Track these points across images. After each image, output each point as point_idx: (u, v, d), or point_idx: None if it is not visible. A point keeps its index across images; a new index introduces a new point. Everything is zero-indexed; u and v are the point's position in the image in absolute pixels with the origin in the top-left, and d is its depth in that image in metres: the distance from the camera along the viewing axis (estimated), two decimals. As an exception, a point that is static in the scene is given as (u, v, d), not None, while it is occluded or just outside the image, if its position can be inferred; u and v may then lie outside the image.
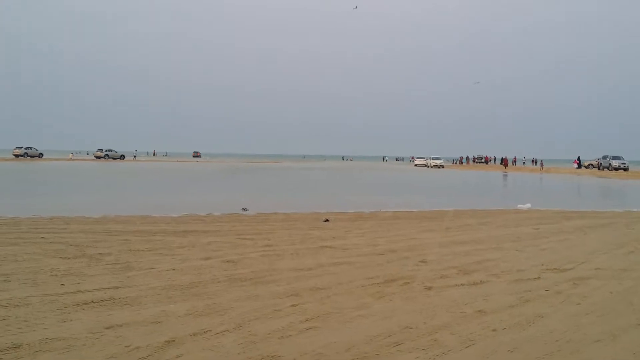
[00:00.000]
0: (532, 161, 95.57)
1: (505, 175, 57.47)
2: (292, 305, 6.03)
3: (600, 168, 66.70)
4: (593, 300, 6.52)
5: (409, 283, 7.28)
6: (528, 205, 19.60)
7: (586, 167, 72.07)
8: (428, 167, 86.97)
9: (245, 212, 16.41)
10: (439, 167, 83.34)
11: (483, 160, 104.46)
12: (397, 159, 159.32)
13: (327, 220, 14.36)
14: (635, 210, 19.34)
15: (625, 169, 62.78)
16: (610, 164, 64.74)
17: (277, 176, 48.38)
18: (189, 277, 7.37)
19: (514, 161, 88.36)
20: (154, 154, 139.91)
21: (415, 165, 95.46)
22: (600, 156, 69.46)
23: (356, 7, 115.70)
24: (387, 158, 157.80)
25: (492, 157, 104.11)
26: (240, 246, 9.96)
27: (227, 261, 8.49)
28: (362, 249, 10.07)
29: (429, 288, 7.03)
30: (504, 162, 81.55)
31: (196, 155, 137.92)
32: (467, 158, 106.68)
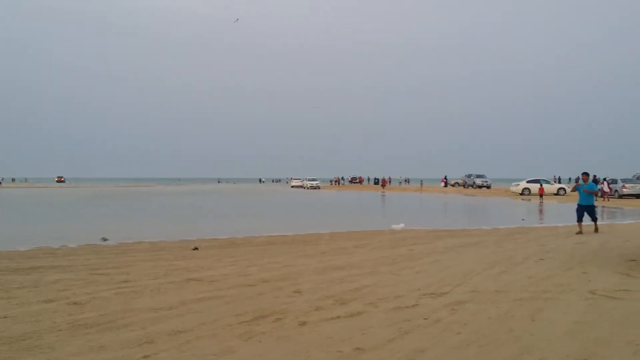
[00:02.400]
0: (405, 181, 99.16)
1: (383, 195, 58.90)
2: (144, 357, 5.16)
3: (466, 186, 70.33)
4: (473, 327, 6.20)
5: (281, 319, 6.63)
6: (402, 225, 19.75)
7: (452, 185, 75.80)
8: (305, 188, 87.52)
9: (104, 243, 15.07)
10: (315, 188, 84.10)
11: (357, 181, 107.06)
12: (273, 181, 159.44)
13: (196, 249, 13.45)
14: (501, 227, 20.05)
15: (488, 187, 66.58)
16: (474, 182, 68.40)
17: (147, 201, 46.25)
18: (22, 326, 6.24)
19: (389, 180, 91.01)
20: (12, 180, 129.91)
21: (292, 186, 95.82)
22: (465, 174, 73.36)
23: (237, 20, 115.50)
24: (263, 179, 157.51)
25: (366, 178, 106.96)
26: (92, 283, 8.84)
27: (73, 303, 7.39)
28: (232, 280, 9.32)
29: (303, 323, 6.41)
30: (382, 182, 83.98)
31: (60, 180, 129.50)
32: (343, 178, 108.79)
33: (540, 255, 12.03)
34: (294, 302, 7.54)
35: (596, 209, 17.45)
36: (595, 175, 47.19)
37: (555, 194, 47.97)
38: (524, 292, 8.18)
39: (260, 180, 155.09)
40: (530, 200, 43.00)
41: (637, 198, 39.99)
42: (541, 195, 41.79)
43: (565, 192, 48.31)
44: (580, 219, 16.92)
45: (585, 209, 16.93)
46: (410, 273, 9.93)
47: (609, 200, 40.60)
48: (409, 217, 25.52)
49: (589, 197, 16.93)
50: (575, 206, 17.16)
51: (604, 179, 46.34)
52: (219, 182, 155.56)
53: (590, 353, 5.25)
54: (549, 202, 38.43)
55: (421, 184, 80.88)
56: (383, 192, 70.53)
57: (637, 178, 43.26)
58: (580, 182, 17.52)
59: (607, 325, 6.28)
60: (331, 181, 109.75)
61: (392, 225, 19.90)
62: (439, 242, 14.75)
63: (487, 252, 12.76)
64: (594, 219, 17.06)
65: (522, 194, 49.99)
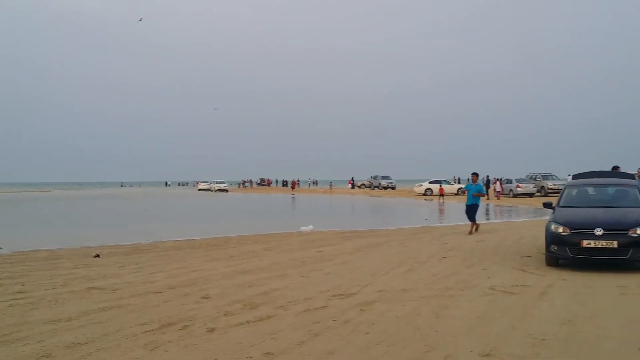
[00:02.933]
0: (314, 183, 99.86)
1: (293, 197, 59.03)
2: (41, 373, 4.87)
3: (372, 187, 71.83)
4: (381, 327, 6.31)
5: (188, 326, 6.46)
6: (310, 227, 19.86)
7: (359, 186, 77.22)
8: (212, 191, 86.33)
9: (-3, 252, 14.16)
10: (223, 191, 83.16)
11: (266, 183, 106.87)
12: (180, 184, 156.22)
13: (97, 256, 12.91)
14: (406, 227, 20.59)
15: (393, 188, 68.29)
16: (380, 183, 69.98)
17: (44, 207, 44.00)
18: None
19: (298, 182, 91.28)
20: None
21: (199, 189, 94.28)
22: (371, 176, 74.94)
23: (141, 19, 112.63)
24: (169, 183, 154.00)
25: (274, 180, 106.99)
26: (-17, 296, 8.27)
27: (-38, 318, 6.88)
28: (136, 287, 9.00)
29: (212, 330, 6.29)
30: (292, 184, 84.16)
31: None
32: (251, 181, 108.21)
33: (443, 253, 12.45)
34: (201, 308, 7.38)
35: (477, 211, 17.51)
36: (487, 176, 49.52)
37: (455, 194, 49.93)
38: (428, 290, 8.42)
39: (166, 184, 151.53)
40: (432, 200, 44.47)
41: (530, 197, 42.22)
42: (442, 195, 43.32)
43: (485, 192, 50.30)
44: (472, 219, 17.18)
45: (471, 209, 17.15)
46: (320, 275, 9.99)
47: (499, 199, 42.74)
48: (318, 218, 25.73)
49: (475, 198, 17.10)
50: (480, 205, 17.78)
51: (497, 179, 48.78)
52: (122, 185, 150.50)
53: (492, 348, 5.47)
54: (450, 202, 39.91)
55: (330, 185, 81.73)
56: (293, 194, 70.78)
57: (531, 178, 45.73)
58: (470, 182, 17.74)
59: (507, 320, 6.58)
60: (239, 184, 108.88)
61: (300, 228, 19.99)
62: (347, 243, 14.95)
63: (394, 251, 13.06)
64: (473, 219, 17.20)
65: (424, 194, 51.62)
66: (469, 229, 17.23)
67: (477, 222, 17.54)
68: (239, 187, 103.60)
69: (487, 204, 37.22)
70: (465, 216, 17.46)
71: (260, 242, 15.65)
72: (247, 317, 6.89)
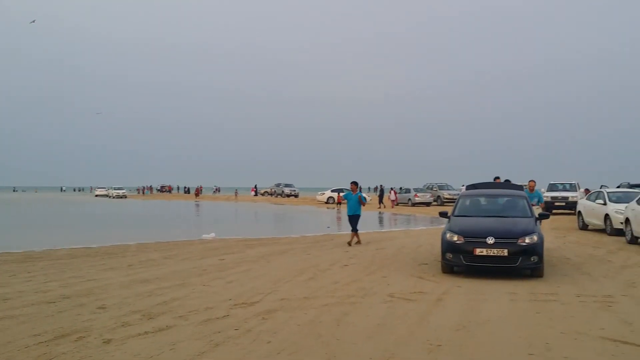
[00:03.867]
0: (216, 189, 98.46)
1: (197, 205, 57.89)
2: None
3: (275, 195, 71.87)
4: (283, 335, 6.31)
5: (84, 337, 6.19)
6: (212, 235, 19.58)
7: (262, 194, 77.07)
8: (110, 197, 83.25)
9: None
10: (121, 197, 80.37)
11: (167, 190, 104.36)
12: (75, 189, 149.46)
13: (-17, 265, 12.08)
14: (308, 235, 20.74)
15: (296, 196, 68.65)
16: (283, 191, 70.16)
17: None
18: None
19: (201, 189, 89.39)
20: None
21: (96, 195, 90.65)
22: (274, 184, 75.02)
23: (34, 21, 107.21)
24: (64, 188, 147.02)
25: (176, 187, 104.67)
26: None
27: None
28: (28, 297, 8.53)
29: (108, 341, 6.04)
30: (195, 191, 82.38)
31: None
32: (151, 187, 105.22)
33: (345, 261, 12.64)
34: (98, 319, 7.09)
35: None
36: (381, 185, 50.82)
37: (326, 202, 51.09)
38: (330, 297, 8.52)
39: (61, 189, 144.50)
40: (334, 208, 45.11)
41: (427, 206, 43.76)
42: (339, 204, 44.03)
43: (366, 201, 51.62)
44: (354, 229, 16.49)
45: (352, 219, 16.44)
46: (222, 283, 9.86)
47: (394, 207, 44.13)
48: (221, 226, 25.40)
49: (357, 207, 16.38)
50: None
51: (391, 188, 50.33)
52: (14, 190, 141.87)
53: (390, 354, 5.60)
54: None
55: (236, 193, 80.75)
56: (196, 201, 69.49)
57: (428, 188, 47.44)
58: (349, 192, 17.01)
59: (405, 326, 6.77)
60: (138, 190, 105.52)
61: (202, 235, 19.65)
62: (250, 251, 14.85)
63: (296, 259, 13.11)
64: (355, 230, 16.45)
65: (327, 202, 52.29)
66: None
67: (358, 232, 16.68)
68: (138, 193, 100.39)
69: (381, 213, 38.19)
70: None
71: (161, 250, 15.24)
72: (146, 327, 6.69)
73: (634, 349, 5.87)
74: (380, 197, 47.48)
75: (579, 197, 28.48)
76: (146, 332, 6.46)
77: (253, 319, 7.14)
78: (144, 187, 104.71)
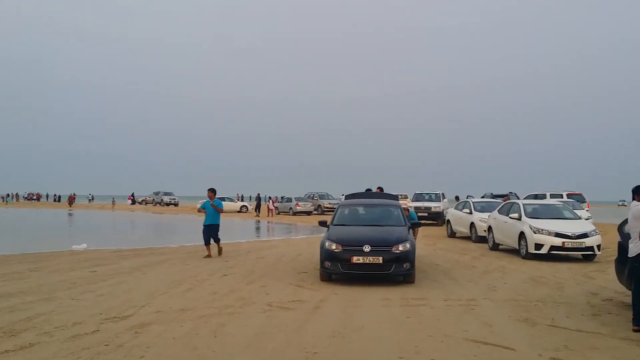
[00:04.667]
0: (91, 198, 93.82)
1: (70, 213, 54.74)
2: None
3: (154, 204, 69.80)
4: (157, 350, 6.13)
5: None
6: (84, 246, 18.64)
7: (140, 202, 74.55)
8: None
9: None
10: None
11: (34, 198, 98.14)
12: None
13: None
14: (188, 244, 20.29)
15: (176, 204, 67.07)
16: (162, 199, 68.32)
17: None
18: None
19: (74, 197, 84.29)
20: None
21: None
22: (153, 192, 72.87)
23: None
24: None
25: (45, 194, 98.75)
26: None
27: None
28: None
29: (-39, 363, 5.57)
30: (69, 199, 77.79)
31: None
32: (17, 195, 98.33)
33: (224, 271, 12.51)
34: (-51, 340, 6.52)
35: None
36: (258, 194, 50.97)
37: (239, 212, 50.69)
38: (208, 308, 8.40)
39: None
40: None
41: (309, 215, 44.34)
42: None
43: (247, 210, 51.43)
44: (207, 242, 15.41)
45: (210, 230, 15.45)
46: (92, 297, 9.41)
47: (272, 216, 44.41)
48: (94, 236, 24.24)
49: (214, 216, 15.41)
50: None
51: (269, 197, 50.65)
52: None
53: (266, 363, 5.61)
54: (232, 219, 40.33)
55: (113, 202, 77.21)
56: (70, 209, 65.78)
57: (309, 197, 48.09)
58: (207, 200, 15.78)
59: (283, 335, 6.81)
60: (2, 197, 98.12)
61: (72, 246, 18.64)
62: (125, 262, 14.28)
63: (174, 270, 12.79)
64: (217, 240, 15.61)
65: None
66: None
67: (220, 243, 15.84)
68: (2, 201, 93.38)
69: (258, 222, 38.21)
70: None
71: (26, 262, 14.28)
72: (7, 345, 6.25)
73: (494, 349, 6.28)
74: (257, 205, 47.51)
75: (443, 207, 29.99)
76: (7, 351, 6.04)
77: (125, 333, 6.88)
78: (8, 194, 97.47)
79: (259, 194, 50.68)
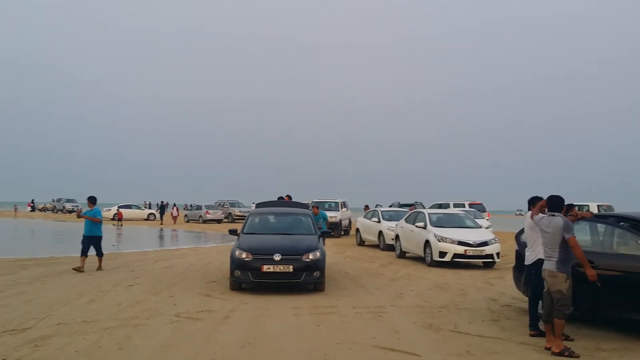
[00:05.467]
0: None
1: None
2: None
3: (55, 211, 66.78)
4: (58, 364, 5.90)
5: None
6: (-22, 255, 17.55)
7: (40, 209, 71.08)
8: None
9: None
10: None
11: None
12: None
13: None
14: (91, 253, 19.52)
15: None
16: (64, 206, 65.48)
17: None
18: None
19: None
20: None
21: None
22: (55, 199, 69.71)
23: None
24: None
25: None
26: None
27: None
28: None
29: None
30: None
31: None
32: None
33: (130, 281, 12.17)
34: None
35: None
36: (162, 201, 49.89)
37: (146, 219, 49.33)
38: (112, 320, 8.15)
39: None
40: (122, 225, 43.14)
41: (219, 223, 43.79)
42: (119, 220, 42.30)
43: (155, 218, 50.18)
44: (84, 252, 13.81)
45: (91, 241, 13.95)
46: (-13, 309, 8.90)
47: (175, 223, 43.64)
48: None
49: (92, 227, 13.96)
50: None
51: (174, 204, 49.67)
52: None
53: (174, 375, 5.52)
54: (139, 227, 39.22)
55: (15, 208, 72.65)
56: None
57: (219, 205, 47.53)
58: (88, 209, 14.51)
59: (191, 346, 6.73)
60: None
61: (-35, 255, 17.52)
62: (24, 272, 13.57)
63: (76, 280, 12.30)
64: (99, 254, 14.19)
65: (113, 219, 49.84)
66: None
67: (102, 257, 14.39)
68: None
69: (162, 230, 37.34)
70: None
71: None
72: None
73: (400, 355, 6.49)
74: (161, 213, 46.44)
75: (340, 217, 29.00)
76: None
77: (24, 346, 6.57)
78: None
79: (162, 201, 49.56)
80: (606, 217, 8.87)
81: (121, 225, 40.12)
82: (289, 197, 17.63)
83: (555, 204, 7.10)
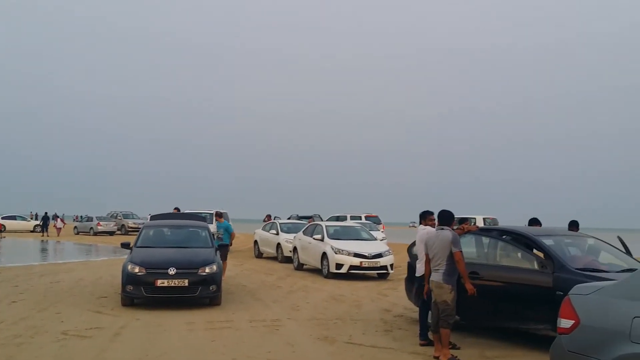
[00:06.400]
0: None
1: None
2: None
3: None
4: None
5: None
6: None
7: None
8: None
9: None
10: None
11: None
12: None
13: None
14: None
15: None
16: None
17: None
18: None
19: None
20: None
21: None
22: None
23: None
24: None
25: None
26: None
27: None
28: None
29: None
30: None
31: None
32: None
33: (13, 297, 11.47)
34: None
35: None
36: (45, 212, 47.28)
37: (32, 231, 46.66)
38: (-8, 340, 7.66)
39: None
40: (4, 237, 40.56)
41: (111, 235, 42.12)
42: (1, 231, 39.98)
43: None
44: None
45: None
46: None
47: (59, 235, 41.75)
48: None
49: None
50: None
51: (57, 215, 47.24)
52: None
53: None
54: (25, 239, 37.07)
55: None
56: None
57: (112, 216, 45.76)
58: None
59: (78, 365, 6.44)
60: None
61: None
62: None
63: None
64: None
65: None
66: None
67: None
68: None
69: (45, 242, 35.53)
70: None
71: None
72: None
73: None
74: (44, 225, 44.04)
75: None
76: None
77: None
78: None
79: (46, 213, 47.04)
80: (490, 231, 9.41)
81: (4, 237, 37.75)
82: (177, 209, 17.37)
83: (444, 218, 7.46)
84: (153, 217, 13.67)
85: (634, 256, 8.29)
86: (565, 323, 4.58)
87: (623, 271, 7.13)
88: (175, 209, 17.03)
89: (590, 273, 6.92)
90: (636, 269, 5.99)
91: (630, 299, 4.14)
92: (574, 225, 11.59)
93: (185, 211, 20.58)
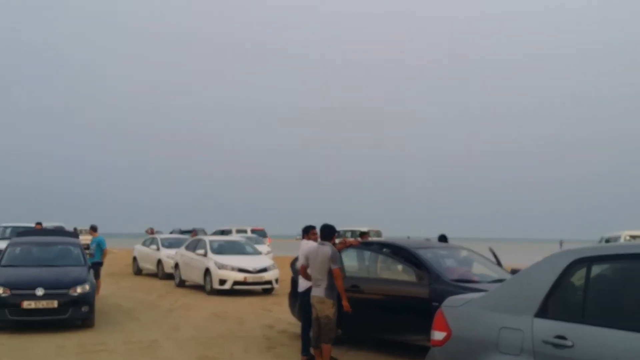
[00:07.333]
0: None
1: None
2: None
3: None
4: None
5: None
6: None
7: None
8: None
9: None
10: None
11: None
12: None
13: None
14: None
15: None
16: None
17: None
18: None
19: None
20: None
21: None
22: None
23: None
24: None
25: None
26: None
27: None
28: None
29: None
30: None
31: None
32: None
33: None
34: None
35: None
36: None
37: None
38: None
39: None
40: None
41: None
42: None
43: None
44: None
45: None
46: None
47: None
48: None
49: None
50: None
51: None
52: None
53: None
54: None
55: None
56: None
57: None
58: None
59: None
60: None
61: None
62: None
63: None
64: None
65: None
66: None
67: None
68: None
69: None
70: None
71: None
72: None
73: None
74: None
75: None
76: None
77: None
78: None
79: None
80: (371, 244, 9.58)
81: None
82: (39, 224, 16.29)
83: (325, 232, 7.47)
84: (20, 234, 12.70)
85: (503, 267, 8.75)
86: (438, 335, 4.68)
87: (494, 281, 7.47)
88: (38, 224, 15.87)
89: (464, 284, 7.19)
90: (505, 279, 6.30)
91: (497, 310, 4.31)
92: (443, 240, 12.15)
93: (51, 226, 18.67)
